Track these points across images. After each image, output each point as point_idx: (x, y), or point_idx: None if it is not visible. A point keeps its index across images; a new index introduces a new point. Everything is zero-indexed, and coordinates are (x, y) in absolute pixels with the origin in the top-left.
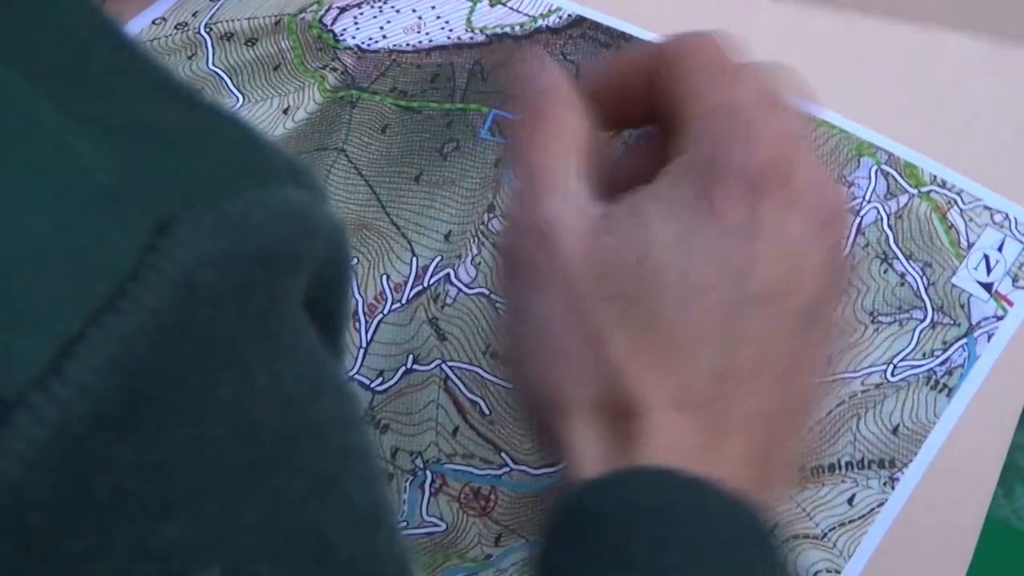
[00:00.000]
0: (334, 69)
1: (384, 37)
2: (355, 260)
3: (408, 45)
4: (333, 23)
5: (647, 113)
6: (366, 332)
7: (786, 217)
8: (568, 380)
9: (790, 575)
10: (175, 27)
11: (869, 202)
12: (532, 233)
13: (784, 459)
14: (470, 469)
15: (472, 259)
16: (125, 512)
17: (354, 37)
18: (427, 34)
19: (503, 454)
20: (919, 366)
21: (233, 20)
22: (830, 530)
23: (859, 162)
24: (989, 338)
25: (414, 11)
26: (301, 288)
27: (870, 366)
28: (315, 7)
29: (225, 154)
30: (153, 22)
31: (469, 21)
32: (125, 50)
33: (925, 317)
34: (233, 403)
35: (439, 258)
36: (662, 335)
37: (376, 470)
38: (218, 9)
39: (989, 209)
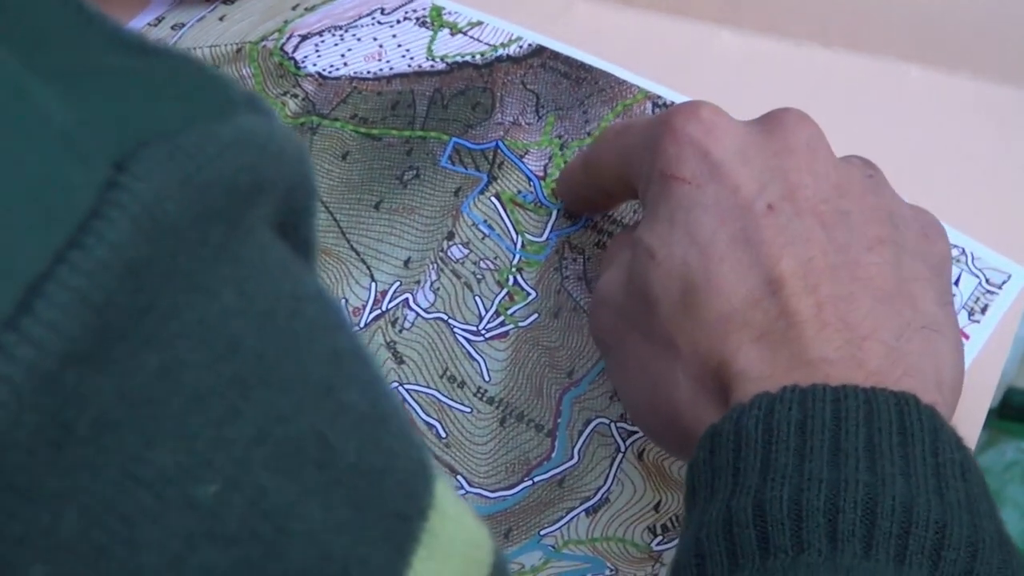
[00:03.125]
0: (295, 96)
1: (345, 64)
2: None
3: (369, 73)
4: (294, 51)
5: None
6: None
7: None
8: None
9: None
10: None
11: None
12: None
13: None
14: None
15: (431, 285)
16: (109, 443)
17: (315, 64)
18: (388, 62)
19: (459, 477)
20: None
21: (195, 48)
22: None
23: None
24: None
25: (375, 39)
26: (268, 213)
27: None
28: (276, 35)
29: (179, 91)
30: None
31: (430, 49)
32: (73, 4)
33: None
34: (204, 326)
35: (398, 283)
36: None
37: (375, 371)
38: (179, 38)
39: None
